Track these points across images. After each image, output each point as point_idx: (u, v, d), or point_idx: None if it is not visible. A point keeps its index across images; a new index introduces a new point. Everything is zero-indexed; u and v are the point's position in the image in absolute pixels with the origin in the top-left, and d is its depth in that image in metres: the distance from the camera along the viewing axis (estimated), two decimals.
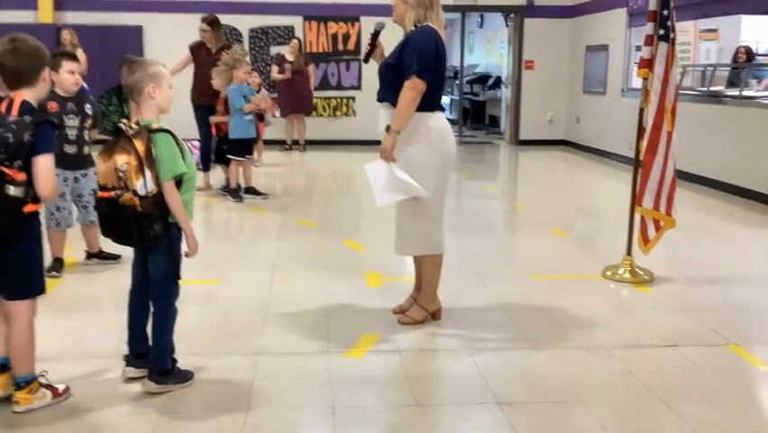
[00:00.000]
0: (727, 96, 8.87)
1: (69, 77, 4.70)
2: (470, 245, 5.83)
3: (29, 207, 2.84)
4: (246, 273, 5.08)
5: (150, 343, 3.28)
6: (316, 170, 10.68)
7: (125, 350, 3.35)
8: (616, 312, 4.54)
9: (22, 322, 2.97)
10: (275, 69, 11.82)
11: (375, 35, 4.11)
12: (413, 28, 3.89)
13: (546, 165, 11.59)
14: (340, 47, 12.87)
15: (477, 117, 16.96)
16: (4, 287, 2.97)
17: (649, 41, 4.80)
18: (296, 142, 12.15)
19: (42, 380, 3.08)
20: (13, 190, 2.76)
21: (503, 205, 8.62)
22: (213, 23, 8.22)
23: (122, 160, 2.98)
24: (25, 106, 2.85)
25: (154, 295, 3.23)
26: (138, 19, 12.10)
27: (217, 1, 12.03)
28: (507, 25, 14.17)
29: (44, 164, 2.81)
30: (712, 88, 9.26)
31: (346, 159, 11.49)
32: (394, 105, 3.85)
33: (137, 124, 3.08)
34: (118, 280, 4.75)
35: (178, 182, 3.10)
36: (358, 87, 12.99)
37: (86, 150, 4.88)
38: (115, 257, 5.07)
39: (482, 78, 16.80)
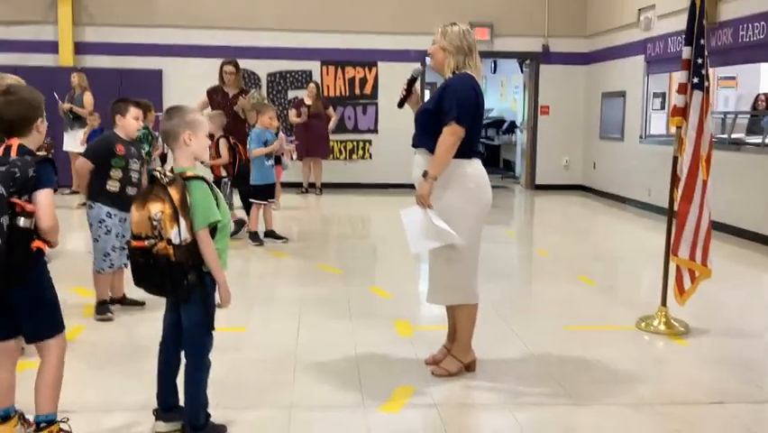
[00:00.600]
0: (749, 144, 8.81)
1: (134, 123, 4.85)
2: (497, 292, 5.72)
3: (36, 243, 2.86)
4: (272, 321, 4.99)
5: (182, 396, 3.18)
6: (333, 214, 10.63)
7: (152, 402, 3.24)
8: (655, 366, 4.41)
9: (55, 359, 3.00)
10: (293, 112, 11.87)
11: (412, 81, 4.09)
12: (451, 75, 3.86)
13: (564, 210, 11.52)
14: (357, 91, 12.94)
15: (491, 161, 16.95)
16: (33, 326, 2.98)
17: (682, 89, 4.76)
18: (312, 185, 12.15)
19: (64, 426, 3.02)
20: (23, 222, 2.80)
21: (525, 250, 8.52)
22: (237, 66, 8.28)
23: (156, 208, 2.93)
24: (22, 149, 2.91)
25: (187, 347, 3.14)
26: (157, 63, 12.21)
27: (237, 46, 12.13)
28: (522, 71, 14.25)
29: (45, 198, 2.86)
30: (733, 136, 9.21)
31: (363, 202, 11.46)
32: (430, 152, 3.80)
33: (171, 171, 3.04)
34: (141, 327, 4.70)
35: (212, 230, 3.05)
36: (374, 131, 13.02)
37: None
38: (140, 304, 4.99)
39: (497, 123, 16.85)
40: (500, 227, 9.89)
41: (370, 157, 13.07)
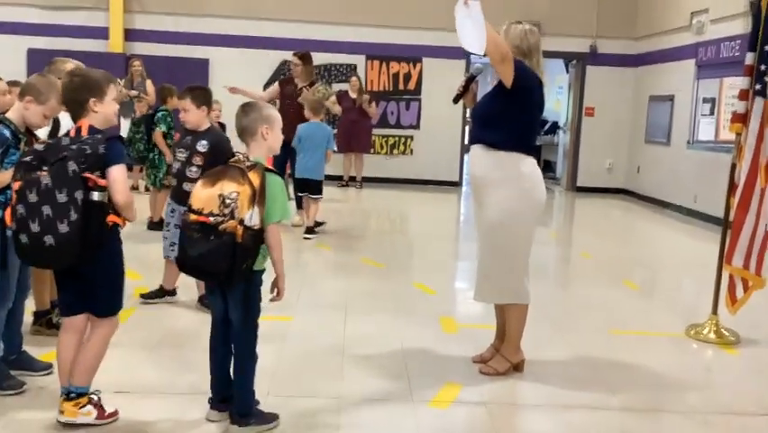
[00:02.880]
0: None
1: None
2: (542, 294, 5.65)
3: (111, 218, 2.95)
4: (319, 313, 5.01)
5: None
6: (374, 208, 10.66)
7: (201, 386, 3.31)
8: (705, 375, 4.36)
9: (106, 334, 3.11)
10: (333, 99, 11.88)
11: (471, 78, 4.08)
12: None
13: (606, 213, 11.40)
14: (401, 86, 12.93)
15: None
16: (96, 301, 3.07)
17: (743, 95, 4.67)
18: (352, 179, 12.18)
19: (93, 397, 3.10)
20: (96, 196, 2.90)
21: (567, 252, 8.45)
22: (304, 58, 8.33)
23: (231, 188, 2.94)
24: (92, 129, 3.01)
25: (236, 340, 3.17)
26: (205, 52, 12.32)
27: (283, 37, 12.21)
28: (567, 71, 14.11)
29: (118, 174, 2.95)
30: None
31: (403, 198, 11.47)
32: (489, 146, 3.80)
33: (248, 158, 3.10)
34: (189, 314, 4.76)
35: None
36: (417, 127, 13.01)
37: (185, 185, 4.65)
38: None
39: None
40: (542, 229, 9.79)
41: (411, 153, 13.06)
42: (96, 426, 3.07)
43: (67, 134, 3.05)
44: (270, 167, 3.12)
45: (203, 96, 4.77)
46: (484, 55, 3.66)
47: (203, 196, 2.99)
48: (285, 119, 8.39)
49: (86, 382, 3.08)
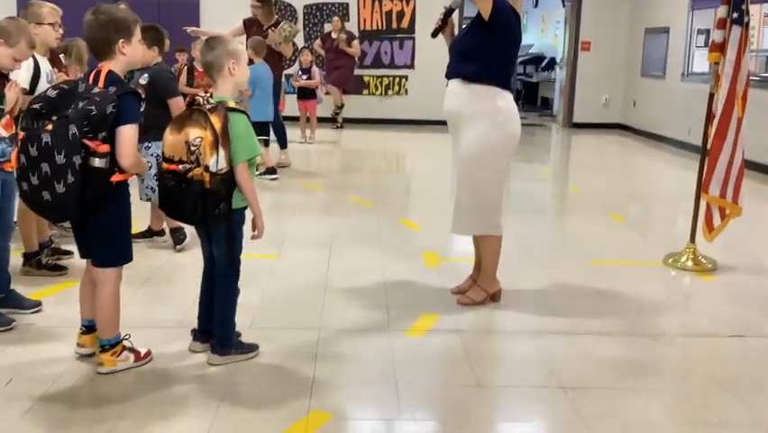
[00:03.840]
0: None
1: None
2: (526, 228, 5.79)
3: (116, 177, 2.90)
4: (304, 250, 5.12)
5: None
6: (368, 148, 10.68)
7: (186, 321, 3.44)
8: (679, 300, 4.47)
9: (109, 288, 3.08)
10: (317, 42, 11.81)
11: (449, 12, 4.08)
12: None
13: (601, 149, 11.42)
14: (394, 25, 12.80)
15: (529, 99, 16.76)
16: (93, 253, 3.09)
17: (721, 24, 4.66)
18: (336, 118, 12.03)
19: (126, 343, 3.17)
20: (97, 162, 2.82)
21: (558, 188, 8.52)
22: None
23: (195, 134, 2.93)
24: (110, 77, 2.90)
25: (217, 277, 3.27)
26: None
27: None
28: (563, 5, 13.93)
29: (126, 135, 2.86)
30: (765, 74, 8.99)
31: (397, 138, 11.48)
32: (466, 80, 3.86)
33: (211, 98, 3.07)
34: (173, 255, 4.88)
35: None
36: (411, 66, 12.92)
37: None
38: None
39: (536, 59, 16.57)
40: (535, 165, 9.87)
41: (406, 93, 13.01)
42: (132, 369, 3.15)
43: (86, 79, 2.93)
44: (236, 106, 3.09)
45: (154, 36, 4.74)
46: None
47: (171, 143, 2.98)
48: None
49: (113, 334, 3.11)
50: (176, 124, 3.04)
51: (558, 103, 14.30)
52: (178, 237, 4.95)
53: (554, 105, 14.74)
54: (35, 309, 3.70)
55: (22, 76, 3.92)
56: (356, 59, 11.90)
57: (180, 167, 2.96)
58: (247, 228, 3.23)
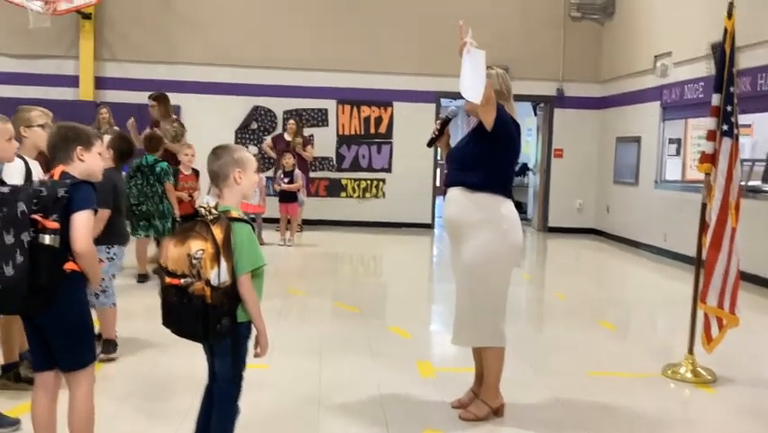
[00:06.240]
0: (766, 191, 8.80)
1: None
2: (518, 335, 5.65)
3: (69, 265, 2.83)
4: (294, 359, 4.92)
5: None
6: (347, 251, 10.61)
7: None
8: (683, 415, 4.36)
9: (82, 390, 2.96)
10: (267, 143, 11.86)
11: (446, 122, 4.10)
12: None
13: (578, 253, 11.49)
14: (372, 130, 13.02)
15: None
16: (57, 357, 2.95)
17: (711, 136, 4.76)
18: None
19: None
20: (48, 240, 2.77)
21: (542, 293, 8.46)
22: (159, 99, 8.53)
23: (197, 246, 2.81)
24: (65, 176, 2.94)
25: (216, 394, 3.08)
26: (176, 99, 12.23)
27: (254, 83, 12.29)
28: (535, 114, 14.33)
29: (79, 220, 2.85)
30: (750, 183, 9.21)
31: (375, 240, 11.45)
32: (470, 188, 3.83)
33: (215, 209, 2.98)
34: (163, 363, 4.66)
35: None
36: (388, 170, 13.07)
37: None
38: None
39: None
40: (516, 269, 9.81)
41: (384, 196, 13.09)
42: None
43: (42, 182, 2.95)
44: (239, 215, 2.98)
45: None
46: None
47: (174, 256, 2.85)
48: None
49: None
50: (180, 236, 2.92)
51: (532, 207, 14.49)
52: (107, 348, 4.72)
53: (528, 210, 14.92)
54: (13, 427, 3.45)
55: (14, 179, 3.81)
56: (308, 163, 11.72)
57: (182, 281, 2.83)
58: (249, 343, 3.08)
